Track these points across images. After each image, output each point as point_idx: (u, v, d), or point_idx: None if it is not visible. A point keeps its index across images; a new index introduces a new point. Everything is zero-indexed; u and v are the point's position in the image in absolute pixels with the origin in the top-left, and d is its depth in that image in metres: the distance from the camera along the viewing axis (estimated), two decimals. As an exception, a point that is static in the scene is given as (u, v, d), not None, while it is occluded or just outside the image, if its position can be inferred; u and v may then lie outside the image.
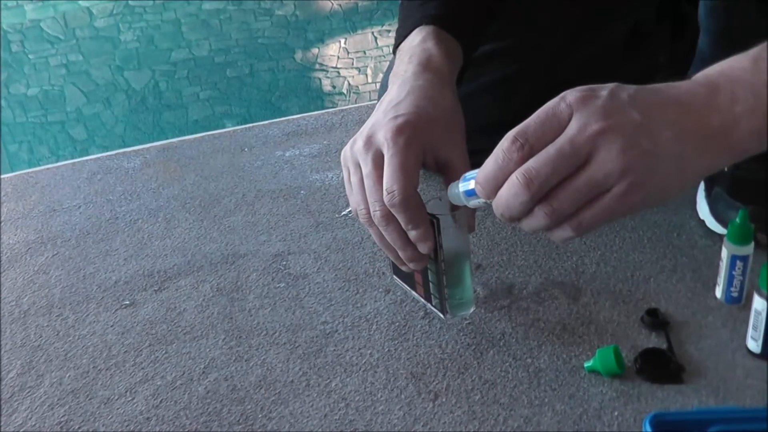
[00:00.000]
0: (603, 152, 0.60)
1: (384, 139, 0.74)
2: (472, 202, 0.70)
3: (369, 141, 0.75)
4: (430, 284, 0.81)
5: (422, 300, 0.85)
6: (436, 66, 0.83)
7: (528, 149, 0.61)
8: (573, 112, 0.61)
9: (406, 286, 0.88)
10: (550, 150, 0.60)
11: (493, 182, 0.64)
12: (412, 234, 0.74)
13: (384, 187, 0.73)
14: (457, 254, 0.79)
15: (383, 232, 0.76)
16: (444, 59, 0.84)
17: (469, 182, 0.69)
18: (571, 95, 0.61)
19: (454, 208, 0.77)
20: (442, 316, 0.83)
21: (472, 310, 0.85)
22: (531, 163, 0.61)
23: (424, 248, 0.75)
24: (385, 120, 0.75)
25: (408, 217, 0.73)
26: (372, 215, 0.75)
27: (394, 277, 0.90)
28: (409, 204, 0.72)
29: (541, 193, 0.62)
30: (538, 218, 0.63)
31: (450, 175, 0.78)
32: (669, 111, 0.61)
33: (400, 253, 0.77)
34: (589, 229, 0.63)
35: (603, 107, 0.60)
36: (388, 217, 0.74)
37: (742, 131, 0.61)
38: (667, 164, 0.61)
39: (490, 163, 0.64)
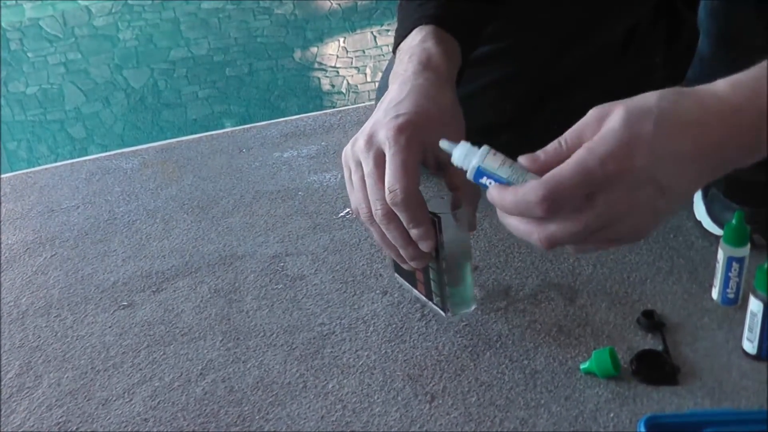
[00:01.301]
0: (622, 224, 0.61)
1: (385, 138, 0.74)
2: (475, 180, 0.67)
3: (370, 140, 0.76)
4: (432, 282, 0.82)
5: (423, 298, 0.85)
6: (436, 65, 0.83)
7: (554, 211, 0.60)
8: (608, 185, 0.60)
9: (407, 284, 0.88)
10: (576, 226, 0.61)
11: (508, 212, 0.64)
12: (414, 232, 0.75)
13: (386, 186, 0.73)
14: (458, 252, 0.80)
15: (385, 231, 0.76)
16: (443, 58, 0.84)
17: (482, 177, 0.65)
18: (611, 164, 0.59)
19: (455, 206, 0.78)
20: (443, 314, 0.83)
21: (473, 308, 0.85)
22: (556, 233, 0.61)
23: (425, 246, 0.76)
24: (386, 119, 0.76)
25: (410, 215, 0.73)
26: (374, 214, 0.75)
27: (396, 275, 0.90)
28: (411, 202, 0.73)
29: None
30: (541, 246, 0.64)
31: (451, 174, 0.78)
32: (692, 165, 0.61)
33: (402, 252, 0.77)
34: (586, 253, 0.66)
35: (634, 185, 0.60)
36: (390, 216, 0.74)
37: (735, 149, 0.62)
38: (672, 212, 0.63)
39: (510, 200, 0.62)
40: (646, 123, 0.60)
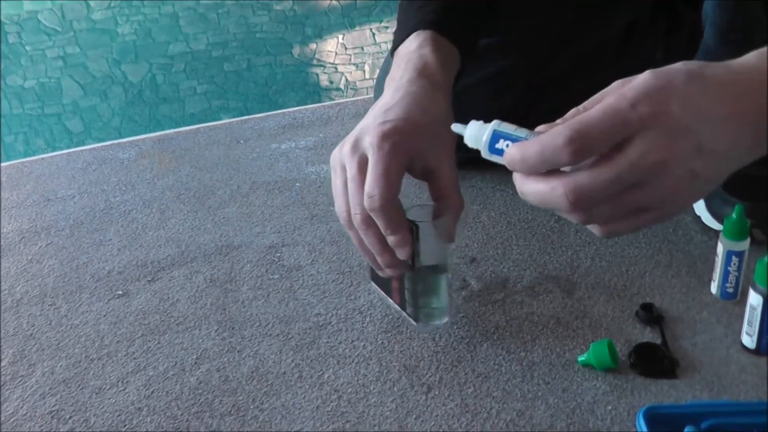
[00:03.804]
0: (658, 182, 0.57)
1: (369, 144, 0.74)
2: (489, 156, 0.63)
3: (356, 145, 0.76)
4: (405, 291, 0.81)
5: (397, 307, 0.85)
6: (431, 73, 0.83)
7: (582, 155, 0.56)
8: (640, 129, 0.56)
9: (382, 292, 0.87)
10: (606, 174, 0.56)
11: (529, 168, 0.59)
12: (391, 239, 0.74)
13: (365, 192, 0.73)
14: (434, 263, 0.80)
15: (363, 236, 0.76)
16: (439, 66, 0.84)
17: (499, 141, 0.62)
18: (643, 106, 0.55)
19: (436, 216, 0.78)
20: (414, 323, 0.83)
21: (445, 320, 0.84)
22: (584, 182, 0.57)
23: (401, 254, 0.75)
24: (373, 124, 0.75)
25: (387, 222, 0.73)
26: (353, 218, 0.75)
27: (371, 283, 0.89)
28: (388, 209, 0.72)
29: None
30: (569, 216, 0.60)
31: (435, 184, 0.78)
32: (728, 123, 0.58)
33: (378, 258, 0.77)
34: (616, 235, 0.61)
35: (671, 131, 0.56)
36: (368, 222, 0.74)
37: None
38: (709, 181, 0.59)
39: (534, 148, 0.57)
40: (677, 77, 0.57)
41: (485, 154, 0.63)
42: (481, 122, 0.64)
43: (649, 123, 0.55)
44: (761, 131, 0.59)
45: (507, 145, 0.61)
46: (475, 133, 0.64)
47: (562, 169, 0.58)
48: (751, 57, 0.60)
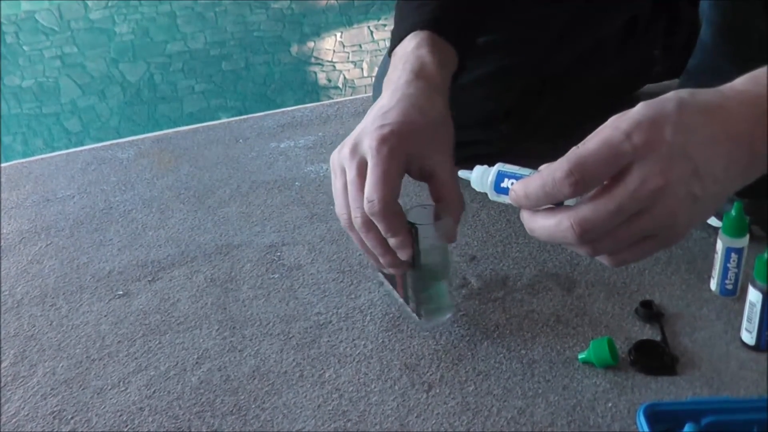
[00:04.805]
0: (659, 207, 0.58)
1: (368, 148, 0.74)
2: (496, 197, 0.67)
3: (355, 148, 0.76)
4: (408, 288, 0.82)
5: (401, 300, 0.85)
6: (429, 74, 0.83)
7: (582, 187, 0.58)
8: (636, 158, 0.57)
9: (389, 285, 0.88)
10: (609, 205, 0.58)
11: (533, 203, 0.61)
12: (391, 241, 0.75)
13: (365, 196, 0.73)
14: (434, 262, 0.80)
15: (364, 239, 0.76)
16: (437, 67, 0.84)
17: (504, 180, 0.66)
18: (637, 135, 0.57)
19: (436, 217, 0.78)
20: (417, 319, 0.83)
21: (448, 316, 0.85)
22: (589, 214, 0.58)
23: (403, 255, 0.76)
24: (372, 128, 0.76)
25: (387, 225, 0.73)
26: (353, 221, 0.75)
27: (378, 273, 0.90)
28: (387, 213, 0.73)
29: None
30: (579, 249, 0.62)
31: (435, 185, 0.78)
32: (722, 146, 0.59)
33: (380, 259, 0.78)
34: (626, 264, 0.63)
35: (666, 157, 0.57)
36: (369, 225, 0.75)
37: None
38: (709, 203, 0.61)
39: (536, 183, 0.60)
40: (668, 105, 0.59)
41: (492, 195, 0.67)
42: (485, 166, 0.68)
43: (645, 151, 0.57)
44: (755, 153, 0.60)
45: (512, 184, 0.64)
46: (480, 176, 0.67)
47: (566, 203, 0.61)
48: (740, 81, 0.62)
